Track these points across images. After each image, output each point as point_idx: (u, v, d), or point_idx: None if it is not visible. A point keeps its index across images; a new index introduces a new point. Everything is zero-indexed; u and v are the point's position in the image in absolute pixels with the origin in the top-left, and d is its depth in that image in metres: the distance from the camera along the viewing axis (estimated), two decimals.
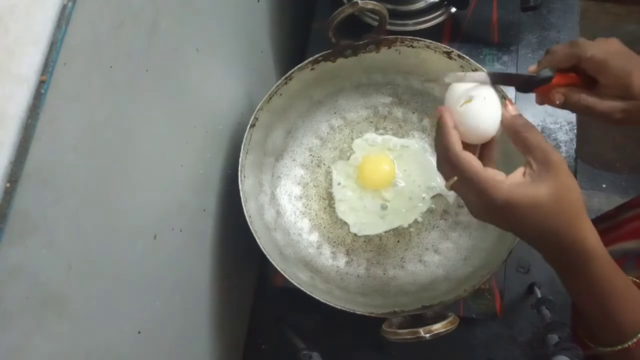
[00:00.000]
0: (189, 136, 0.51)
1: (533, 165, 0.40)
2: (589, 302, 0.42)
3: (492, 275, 0.54)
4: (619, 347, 0.40)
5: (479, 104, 0.43)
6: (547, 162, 0.39)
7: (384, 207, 0.66)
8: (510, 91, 0.71)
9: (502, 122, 0.43)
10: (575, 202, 0.40)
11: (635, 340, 0.40)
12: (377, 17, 0.58)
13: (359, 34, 0.62)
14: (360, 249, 0.65)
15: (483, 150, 0.45)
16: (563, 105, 0.47)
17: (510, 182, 0.39)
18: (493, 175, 0.40)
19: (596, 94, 0.46)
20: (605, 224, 0.74)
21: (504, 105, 0.44)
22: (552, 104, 0.48)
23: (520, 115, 0.43)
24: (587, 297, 0.42)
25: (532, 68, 0.47)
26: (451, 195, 0.66)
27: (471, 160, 0.41)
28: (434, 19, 0.73)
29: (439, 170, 0.45)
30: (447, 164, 0.43)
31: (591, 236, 0.40)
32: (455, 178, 0.42)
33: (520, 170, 0.40)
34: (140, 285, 0.43)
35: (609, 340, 0.42)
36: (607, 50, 0.45)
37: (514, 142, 0.42)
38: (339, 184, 0.67)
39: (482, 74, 0.44)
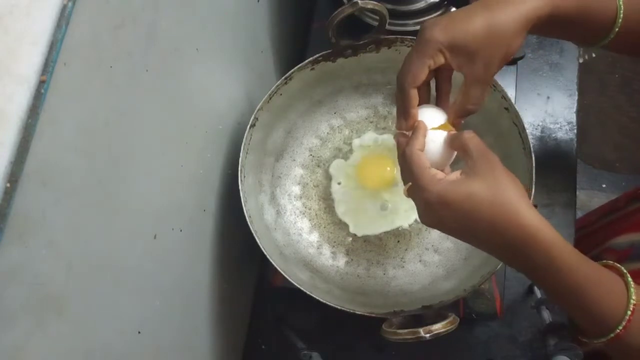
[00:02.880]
0: (189, 136, 0.51)
1: (469, 163, 0.41)
2: (563, 296, 0.40)
3: (492, 275, 0.54)
4: (610, 336, 0.39)
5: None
6: (481, 159, 0.40)
7: (383, 208, 0.66)
8: (511, 92, 0.71)
9: (448, 141, 0.45)
10: (511, 193, 0.39)
11: (621, 327, 0.38)
12: (377, 17, 0.58)
13: (359, 34, 0.62)
14: (360, 249, 0.65)
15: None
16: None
17: (446, 179, 0.41)
18: (433, 174, 0.41)
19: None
20: (613, 215, 0.74)
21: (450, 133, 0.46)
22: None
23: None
24: (558, 292, 0.40)
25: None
26: None
27: (420, 157, 0.42)
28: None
29: (402, 177, 0.46)
30: (403, 164, 0.44)
31: (538, 224, 0.39)
32: (410, 183, 0.43)
33: (458, 172, 0.42)
34: (140, 285, 0.43)
35: (596, 331, 0.40)
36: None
37: (457, 149, 0.44)
38: (338, 183, 0.67)
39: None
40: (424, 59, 0.44)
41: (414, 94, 0.46)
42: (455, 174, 0.41)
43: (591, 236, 0.75)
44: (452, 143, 0.44)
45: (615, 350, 0.40)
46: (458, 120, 0.47)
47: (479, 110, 0.47)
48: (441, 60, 0.45)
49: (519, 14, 0.44)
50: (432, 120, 0.47)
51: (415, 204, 0.44)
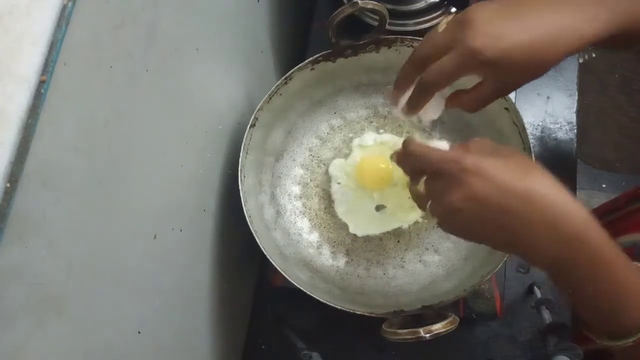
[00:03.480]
0: (189, 136, 0.51)
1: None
2: (593, 291, 0.37)
3: (492, 275, 0.54)
4: (635, 338, 0.36)
5: None
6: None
7: (383, 208, 0.66)
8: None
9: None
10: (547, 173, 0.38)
11: None
12: (377, 17, 0.58)
13: (359, 34, 0.62)
14: (360, 249, 0.65)
15: None
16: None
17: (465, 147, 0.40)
18: (455, 147, 0.41)
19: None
20: (613, 215, 0.73)
21: None
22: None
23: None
24: (586, 280, 0.37)
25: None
26: None
27: (427, 145, 0.42)
28: (434, 19, 0.73)
29: (411, 192, 0.45)
30: (410, 162, 0.43)
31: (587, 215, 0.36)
32: (424, 177, 0.42)
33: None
34: (140, 285, 0.43)
35: (619, 332, 0.37)
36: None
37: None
38: (338, 183, 0.67)
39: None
40: (462, 71, 0.41)
41: (432, 93, 0.44)
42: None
43: None
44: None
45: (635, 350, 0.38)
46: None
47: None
48: (476, 71, 0.42)
49: (578, 42, 0.40)
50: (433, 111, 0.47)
51: (438, 195, 0.40)
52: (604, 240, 0.36)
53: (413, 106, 0.46)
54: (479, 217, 0.38)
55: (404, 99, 0.47)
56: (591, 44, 0.41)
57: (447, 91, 0.46)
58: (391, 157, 0.48)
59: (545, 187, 0.37)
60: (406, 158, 0.44)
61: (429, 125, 0.47)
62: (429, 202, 0.42)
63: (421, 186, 0.43)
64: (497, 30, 0.40)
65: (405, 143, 0.45)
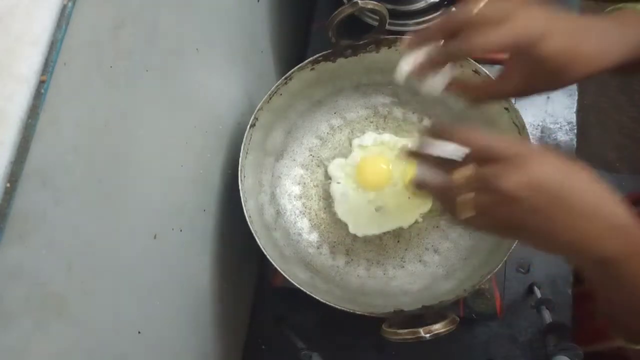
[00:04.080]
0: (189, 136, 0.51)
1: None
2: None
3: (492, 275, 0.54)
4: None
5: None
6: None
7: (383, 208, 0.66)
8: None
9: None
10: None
11: None
12: (377, 17, 0.58)
13: (359, 34, 0.62)
14: (360, 249, 0.65)
15: None
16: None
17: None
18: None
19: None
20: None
21: None
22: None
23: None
24: (629, 276, 0.36)
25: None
26: None
27: (481, 132, 0.39)
28: (434, 19, 0.73)
29: (444, 201, 0.41)
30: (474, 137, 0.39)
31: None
32: (466, 175, 0.38)
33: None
34: (140, 285, 0.43)
35: None
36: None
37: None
38: (338, 183, 0.67)
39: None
40: (507, 48, 0.40)
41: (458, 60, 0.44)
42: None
43: None
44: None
45: None
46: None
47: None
48: (515, 56, 0.42)
49: (607, 63, 0.41)
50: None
51: (490, 182, 0.36)
52: None
53: (425, 67, 0.44)
54: (533, 206, 0.35)
55: (412, 58, 0.45)
56: (616, 65, 0.41)
57: (450, 72, 0.45)
58: (400, 154, 0.45)
59: (596, 183, 0.36)
60: (452, 135, 0.40)
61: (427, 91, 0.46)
62: (471, 194, 0.38)
63: (462, 174, 0.38)
64: (547, 28, 0.40)
65: (436, 127, 0.42)
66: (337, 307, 0.53)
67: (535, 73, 0.41)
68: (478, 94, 0.45)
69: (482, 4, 0.42)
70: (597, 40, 0.41)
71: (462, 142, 0.39)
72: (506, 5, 0.41)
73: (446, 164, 0.40)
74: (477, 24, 0.41)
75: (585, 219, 0.35)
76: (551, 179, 0.35)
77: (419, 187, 0.43)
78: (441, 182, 0.41)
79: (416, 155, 0.43)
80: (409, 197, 0.66)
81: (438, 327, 0.48)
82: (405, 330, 0.49)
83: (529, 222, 0.36)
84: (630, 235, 0.35)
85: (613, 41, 0.41)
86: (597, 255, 0.35)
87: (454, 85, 0.46)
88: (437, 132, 0.42)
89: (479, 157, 0.38)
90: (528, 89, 0.43)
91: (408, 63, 0.45)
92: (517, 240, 0.40)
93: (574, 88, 0.75)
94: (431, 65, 0.44)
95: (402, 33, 0.70)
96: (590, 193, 0.36)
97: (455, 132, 0.40)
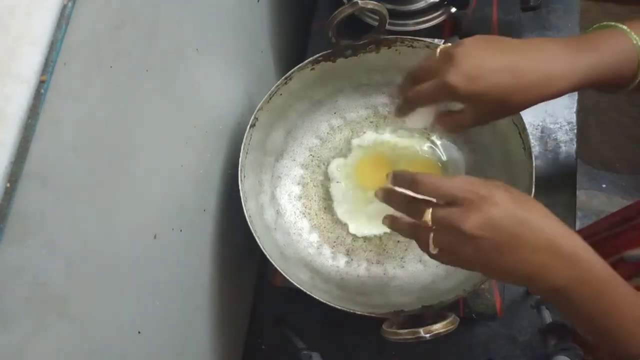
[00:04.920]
0: (189, 136, 0.51)
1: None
2: (594, 320, 0.39)
3: None
4: None
5: None
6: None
7: (383, 208, 0.66)
8: None
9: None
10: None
11: None
12: (377, 17, 0.58)
13: (359, 34, 0.62)
14: (360, 249, 0.65)
15: None
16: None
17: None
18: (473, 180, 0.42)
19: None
20: (625, 225, 0.73)
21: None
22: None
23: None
24: (591, 316, 0.39)
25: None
26: None
27: (439, 177, 0.43)
28: (434, 19, 0.73)
29: (413, 233, 0.46)
30: (418, 189, 0.44)
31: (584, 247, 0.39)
32: (429, 211, 0.42)
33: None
34: (140, 285, 0.43)
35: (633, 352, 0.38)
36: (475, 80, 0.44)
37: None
38: (338, 182, 0.67)
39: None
40: (438, 99, 0.47)
41: (413, 108, 0.51)
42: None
43: (599, 245, 0.74)
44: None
45: None
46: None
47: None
48: (451, 101, 0.47)
49: (550, 92, 0.44)
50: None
51: (448, 223, 0.40)
52: (599, 262, 0.38)
53: (400, 112, 0.53)
54: (492, 244, 0.38)
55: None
56: (563, 93, 0.44)
57: (439, 107, 0.51)
58: (375, 194, 0.51)
59: (546, 217, 0.39)
60: (414, 186, 0.44)
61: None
62: (432, 234, 0.42)
63: (427, 217, 0.42)
64: (474, 72, 0.44)
65: (398, 176, 0.47)
66: (337, 307, 0.53)
67: (475, 109, 0.47)
68: (450, 128, 0.51)
69: (437, 54, 0.48)
70: (537, 71, 0.44)
71: (421, 192, 0.43)
72: (441, 58, 0.47)
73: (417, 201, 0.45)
74: (422, 77, 0.48)
75: (538, 253, 0.38)
76: (506, 218, 0.38)
77: (390, 225, 0.50)
78: (409, 222, 0.46)
79: (388, 195, 0.49)
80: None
81: (438, 327, 0.48)
82: (405, 330, 0.49)
83: (489, 259, 0.39)
84: (578, 264, 0.38)
85: (558, 69, 0.44)
86: (551, 285, 0.38)
87: (435, 122, 0.52)
88: (399, 183, 0.47)
89: (443, 200, 0.42)
90: (481, 119, 0.48)
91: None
92: (481, 274, 0.44)
93: None
94: (402, 111, 0.53)
95: (402, 33, 0.70)
96: (543, 227, 0.38)
97: (414, 183, 0.44)
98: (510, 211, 0.38)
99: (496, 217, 0.38)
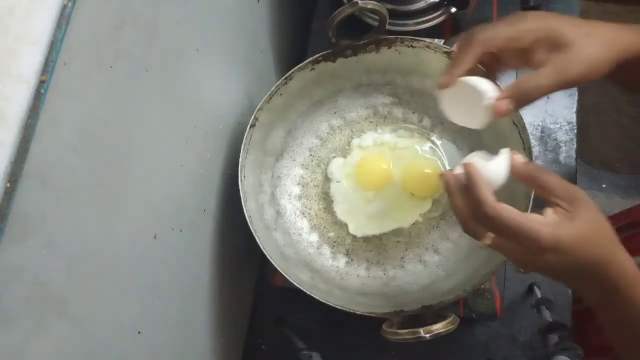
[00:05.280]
0: (189, 136, 0.51)
1: (562, 204, 0.41)
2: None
3: (492, 275, 0.54)
4: None
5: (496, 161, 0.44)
6: (574, 199, 0.41)
7: (383, 208, 0.66)
8: None
9: (514, 171, 0.44)
10: (608, 230, 0.41)
11: None
12: (377, 17, 0.58)
13: (359, 34, 0.62)
14: (360, 249, 0.65)
15: None
16: (518, 107, 0.46)
17: (552, 223, 0.40)
18: (536, 219, 0.40)
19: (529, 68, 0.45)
20: (630, 231, 0.73)
21: (512, 154, 0.44)
22: (506, 114, 0.46)
23: (529, 161, 0.44)
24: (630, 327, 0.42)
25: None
26: None
27: (510, 210, 0.41)
28: (434, 19, 0.73)
29: (467, 231, 0.44)
30: (481, 220, 0.42)
31: (629, 259, 0.41)
32: (491, 235, 0.42)
33: (550, 211, 0.41)
34: (140, 285, 0.43)
35: None
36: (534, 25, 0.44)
37: (532, 187, 0.43)
38: (337, 182, 0.67)
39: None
40: (514, 32, 0.44)
41: (476, 54, 0.45)
42: (553, 215, 0.41)
43: None
44: (527, 181, 0.43)
45: None
46: (508, 104, 0.45)
47: (532, 102, 0.45)
48: (525, 43, 0.44)
49: (614, 43, 0.43)
50: (484, 92, 0.46)
51: (507, 252, 0.42)
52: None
53: (451, 66, 0.47)
54: (551, 273, 0.42)
55: (451, 95, 0.49)
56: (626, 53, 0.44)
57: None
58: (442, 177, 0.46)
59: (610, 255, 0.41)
60: (476, 220, 0.43)
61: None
62: (502, 249, 0.43)
63: (487, 241, 0.42)
64: (549, 14, 0.45)
65: (446, 180, 0.44)
66: (337, 307, 0.53)
67: (569, 65, 0.43)
68: (520, 98, 0.45)
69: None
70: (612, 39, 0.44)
71: (490, 221, 0.42)
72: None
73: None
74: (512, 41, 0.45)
75: (586, 277, 0.41)
76: (561, 268, 0.41)
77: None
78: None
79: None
80: (409, 198, 0.66)
81: (438, 327, 0.48)
82: (405, 330, 0.49)
83: (550, 271, 0.42)
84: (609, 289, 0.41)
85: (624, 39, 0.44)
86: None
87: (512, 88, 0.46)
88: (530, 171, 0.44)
89: (506, 237, 0.41)
90: (561, 83, 0.44)
91: (447, 101, 0.49)
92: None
93: (574, 88, 0.75)
94: (513, 109, 0.45)
95: (402, 33, 0.70)
96: (596, 273, 0.41)
97: (485, 208, 0.42)
98: (572, 260, 0.40)
99: (554, 264, 0.40)
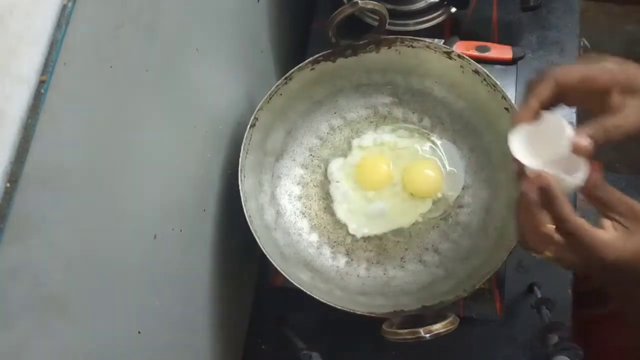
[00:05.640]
0: (189, 136, 0.51)
1: (621, 220, 0.41)
2: None
3: (492, 275, 0.54)
4: None
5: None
6: (635, 215, 0.41)
7: (383, 208, 0.66)
8: (511, 92, 0.71)
9: (587, 193, 0.43)
10: None
11: None
12: (377, 17, 0.58)
13: (359, 34, 0.62)
14: (360, 249, 0.65)
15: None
16: (597, 145, 0.44)
17: (614, 239, 0.41)
18: (601, 235, 0.41)
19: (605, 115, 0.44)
20: None
21: (591, 172, 0.43)
22: (584, 151, 0.44)
23: (602, 182, 0.43)
24: None
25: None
26: (451, 196, 0.66)
27: (584, 224, 0.41)
28: (434, 19, 0.73)
29: (527, 244, 0.44)
30: (562, 234, 0.42)
31: None
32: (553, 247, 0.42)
33: (609, 225, 0.42)
34: (140, 285, 0.43)
35: None
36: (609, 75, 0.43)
37: (592, 202, 0.43)
38: (337, 182, 0.67)
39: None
40: (592, 72, 0.43)
41: (551, 89, 0.44)
42: (613, 231, 0.41)
43: None
44: (592, 199, 0.43)
45: None
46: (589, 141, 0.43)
47: (609, 142, 0.43)
48: (601, 84, 0.43)
49: None
50: (558, 131, 0.44)
51: (569, 261, 0.43)
52: None
53: (528, 101, 0.46)
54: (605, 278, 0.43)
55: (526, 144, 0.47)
56: None
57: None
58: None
59: None
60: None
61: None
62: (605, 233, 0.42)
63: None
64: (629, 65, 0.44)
65: (560, 216, 0.43)
66: (337, 307, 0.53)
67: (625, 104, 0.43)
68: (601, 137, 0.44)
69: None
70: None
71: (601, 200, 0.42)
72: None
73: None
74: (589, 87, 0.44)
75: None
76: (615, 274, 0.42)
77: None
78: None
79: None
80: (409, 198, 0.66)
81: (438, 327, 0.48)
82: (405, 330, 0.49)
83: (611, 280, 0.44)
84: None
85: None
86: None
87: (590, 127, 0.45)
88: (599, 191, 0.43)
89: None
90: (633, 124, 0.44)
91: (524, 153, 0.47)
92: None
93: None
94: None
95: (402, 33, 0.70)
96: None
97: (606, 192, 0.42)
98: None
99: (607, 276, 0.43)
